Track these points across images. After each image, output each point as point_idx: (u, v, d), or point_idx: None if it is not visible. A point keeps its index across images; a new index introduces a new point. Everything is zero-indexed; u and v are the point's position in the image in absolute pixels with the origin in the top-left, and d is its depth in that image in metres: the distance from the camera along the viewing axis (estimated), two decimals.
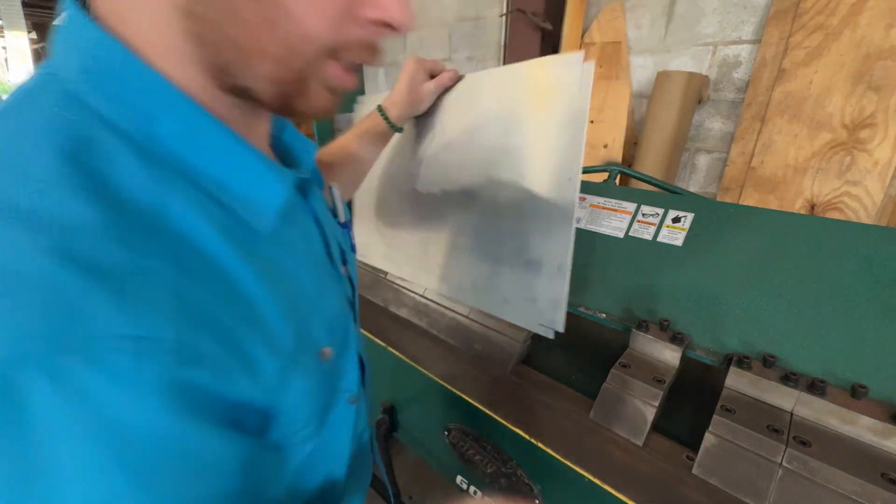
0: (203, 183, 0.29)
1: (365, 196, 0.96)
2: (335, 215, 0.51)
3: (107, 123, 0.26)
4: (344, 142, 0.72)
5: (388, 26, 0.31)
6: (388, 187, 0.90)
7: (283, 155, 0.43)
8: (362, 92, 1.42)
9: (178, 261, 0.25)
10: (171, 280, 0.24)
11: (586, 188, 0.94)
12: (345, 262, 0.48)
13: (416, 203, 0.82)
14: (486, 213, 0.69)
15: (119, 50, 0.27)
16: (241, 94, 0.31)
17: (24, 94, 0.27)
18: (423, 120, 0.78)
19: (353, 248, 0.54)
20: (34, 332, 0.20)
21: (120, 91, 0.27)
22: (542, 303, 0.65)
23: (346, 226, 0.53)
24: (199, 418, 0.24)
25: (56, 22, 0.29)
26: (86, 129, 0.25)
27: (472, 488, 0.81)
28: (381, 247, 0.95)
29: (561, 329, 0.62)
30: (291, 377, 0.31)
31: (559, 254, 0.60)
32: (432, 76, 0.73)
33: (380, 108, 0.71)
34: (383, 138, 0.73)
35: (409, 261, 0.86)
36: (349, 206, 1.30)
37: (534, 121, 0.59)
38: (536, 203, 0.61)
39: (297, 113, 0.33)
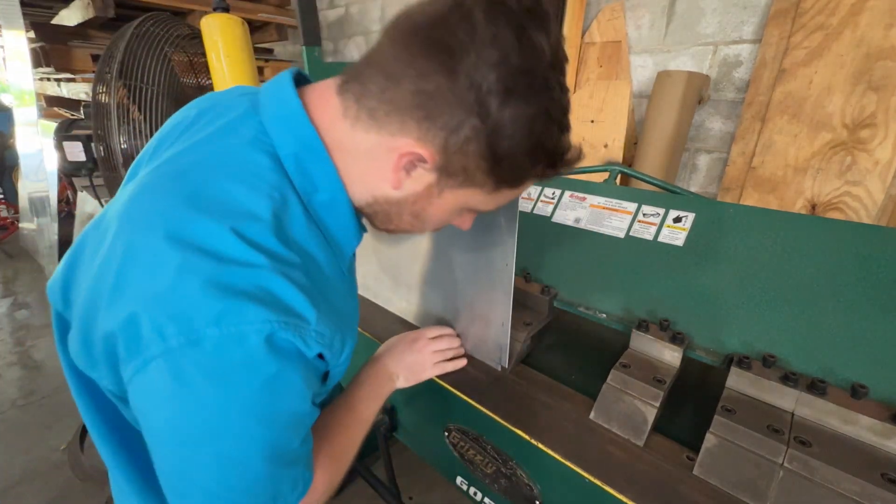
0: (326, 234, 0.47)
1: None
2: None
3: (294, 189, 0.43)
4: None
5: None
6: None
7: None
8: None
9: (315, 278, 0.42)
10: (314, 288, 0.41)
11: (587, 188, 0.94)
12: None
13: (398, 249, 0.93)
14: (448, 272, 0.82)
15: (324, 156, 0.44)
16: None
17: (243, 140, 0.43)
18: None
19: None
20: (255, 310, 0.35)
21: (311, 173, 0.44)
22: (490, 344, 0.79)
23: None
24: (315, 382, 0.45)
25: (272, 89, 0.46)
26: (284, 190, 0.42)
27: (472, 488, 0.80)
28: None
29: (506, 365, 0.78)
30: (347, 351, 0.48)
31: (502, 315, 0.74)
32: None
33: None
34: None
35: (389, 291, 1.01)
36: None
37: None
38: (484, 277, 0.74)
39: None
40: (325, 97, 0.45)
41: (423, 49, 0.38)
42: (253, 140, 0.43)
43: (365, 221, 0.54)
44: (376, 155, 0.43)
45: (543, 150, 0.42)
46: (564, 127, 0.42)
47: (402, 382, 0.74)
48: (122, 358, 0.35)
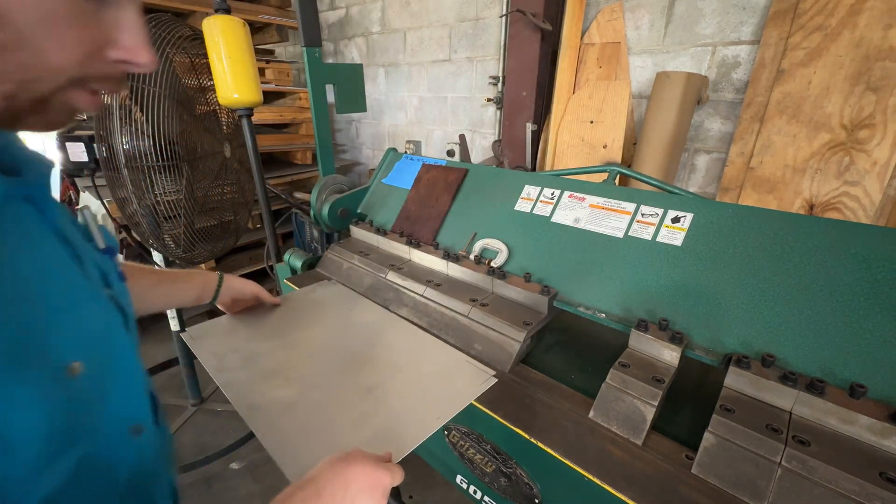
0: None
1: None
2: (90, 239, 0.51)
3: None
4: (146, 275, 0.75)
5: (133, 65, 0.37)
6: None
7: (11, 168, 0.41)
8: (361, 106, 1.41)
9: None
10: None
11: (586, 188, 0.94)
12: (109, 286, 0.47)
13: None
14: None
15: None
16: None
17: None
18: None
19: (120, 277, 0.52)
20: None
21: None
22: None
23: (109, 251, 0.52)
24: None
25: None
26: None
27: (472, 488, 0.81)
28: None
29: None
30: (11, 389, 0.30)
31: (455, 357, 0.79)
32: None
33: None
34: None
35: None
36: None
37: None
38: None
39: (27, 128, 0.37)
40: None
41: None
42: None
43: None
44: None
45: None
46: None
47: None
48: None
